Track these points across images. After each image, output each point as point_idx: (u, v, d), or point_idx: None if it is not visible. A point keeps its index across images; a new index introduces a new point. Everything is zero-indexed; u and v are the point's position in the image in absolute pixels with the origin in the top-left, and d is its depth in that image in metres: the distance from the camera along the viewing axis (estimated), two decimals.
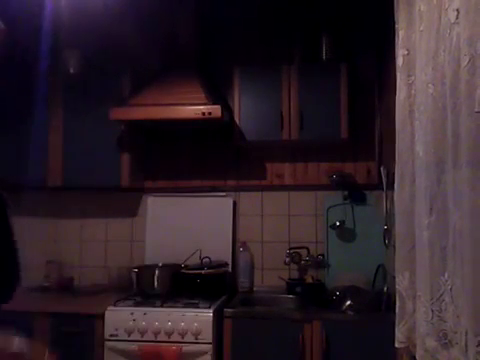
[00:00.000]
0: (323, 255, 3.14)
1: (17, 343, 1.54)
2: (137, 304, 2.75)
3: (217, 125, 3.02)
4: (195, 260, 3.04)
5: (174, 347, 2.58)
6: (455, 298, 1.38)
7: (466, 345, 1.24)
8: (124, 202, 3.35)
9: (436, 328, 1.47)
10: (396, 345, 1.83)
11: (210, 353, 2.58)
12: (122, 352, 2.62)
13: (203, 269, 2.94)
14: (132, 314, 2.64)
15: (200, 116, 2.77)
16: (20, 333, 1.81)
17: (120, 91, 3.05)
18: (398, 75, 1.89)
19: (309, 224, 3.21)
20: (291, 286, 3.07)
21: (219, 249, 3.15)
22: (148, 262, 3.19)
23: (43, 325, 2.64)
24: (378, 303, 2.69)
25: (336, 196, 3.15)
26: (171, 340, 2.59)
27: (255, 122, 2.98)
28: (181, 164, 3.35)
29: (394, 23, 1.95)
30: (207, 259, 3.00)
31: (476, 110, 1.20)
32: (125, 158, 3.09)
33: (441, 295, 1.45)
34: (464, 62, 1.26)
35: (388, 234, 2.77)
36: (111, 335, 2.63)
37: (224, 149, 3.29)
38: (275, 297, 3.05)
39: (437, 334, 1.46)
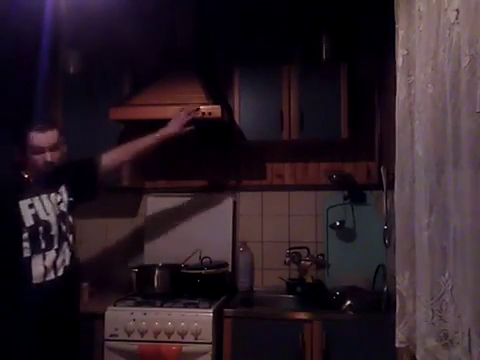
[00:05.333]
0: (323, 255, 3.14)
1: None
2: (137, 304, 2.75)
3: (217, 125, 3.01)
4: (195, 260, 3.04)
5: (174, 347, 2.58)
6: (456, 298, 1.38)
7: (469, 344, 1.24)
8: (124, 202, 3.34)
9: (437, 328, 1.47)
10: (396, 345, 1.83)
11: (210, 353, 2.58)
12: (122, 352, 2.62)
13: (203, 269, 2.93)
14: (132, 314, 2.64)
15: (200, 116, 2.77)
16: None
17: (120, 91, 3.05)
18: (398, 75, 1.89)
19: (309, 224, 3.21)
20: (291, 286, 3.07)
21: (219, 249, 3.15)
22: (148, 262, 3.19)
23: None
24: (378, 303, 2.69)
25: (336, 196, 3.15)
26: (171, 340, 2.60)
27: (255, 122, 2.98)
28: (181, 164, 3.34)
29: (394, 23, 1.95)
30: (207, 259, 3.00)
31: (477, 110, 1.20)
32: None
33: (441, 295, 1.46)
34: (464, 62, 1.26)
35: (388, 234, 2.77)
36: (111, 335, 2.63)
37: (224, 149, 3.29)
38: (275, 297, 3.05)
39: (438, 334, 1.46)
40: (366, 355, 2.46)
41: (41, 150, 2.29)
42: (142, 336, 2.61)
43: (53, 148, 2.32)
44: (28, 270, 2.24)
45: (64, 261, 2.36)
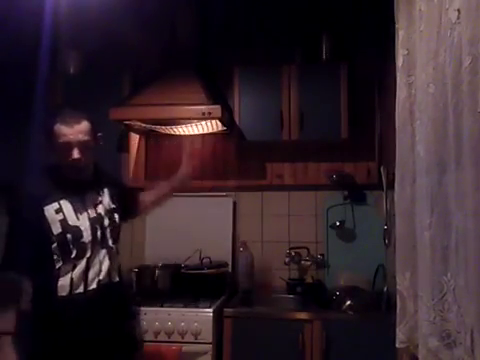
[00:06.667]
0: (323, 255, 3.14)
1: None
2: (137, 304, 2.74)
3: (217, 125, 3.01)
4: (195, 260, 3.04)
5: (174, 347, 2.58)
6: (458, 298, 1.38)
7: (472, 345, 1.24)
8: None
9: (439, 328, 1.47)
10: (397, 345, 1.82)
11: (210, 353, 2.58)
12: None
13: (203, 269, 2.94)
14: None
15: (200, 116, 2.77)
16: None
17: (120, 91, 3.05)
18: (398, 75, 1.89)
19: (309, 224, 3.21)
20: (291, 286, 3.07)
21: (219, 249, 3.15)
22: (148, 262, 3.19)
23: None
24: (378, 303, 2.70)
25: (336, 196, 3.15)
26: (171, 340, 2.60)
27: (255, 122, 2.98)
28: (181, 164, 3.33)
29: (394, 23, 1.95)
30: (207, 259, 3.00)
31: (479, 110, 1.20)
32: (125, 158, 3.09)
33: (444, 295, 1.45)
34: (466, 62, 1.26)
35: (388, 234, 2.77)
36: None
37: (224, 149, 3.29)
38: (275, 297, 3.05)
39: (440, 334, 1.46)
40: (366, 355, 2.46)
41: (68, 146, 1.97)
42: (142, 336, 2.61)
43: (82, 145, 1.99)
44: (55, 282, 1.97)
45: (99, 272, 2.03)
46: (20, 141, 2.98)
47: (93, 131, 2.07)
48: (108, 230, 2.09)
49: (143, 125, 2.97)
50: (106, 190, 2.16)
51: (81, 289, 1.99)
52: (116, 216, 2.14)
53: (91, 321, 1.97)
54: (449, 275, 1.43)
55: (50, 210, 1.98)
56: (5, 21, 2.76)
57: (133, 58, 3.23)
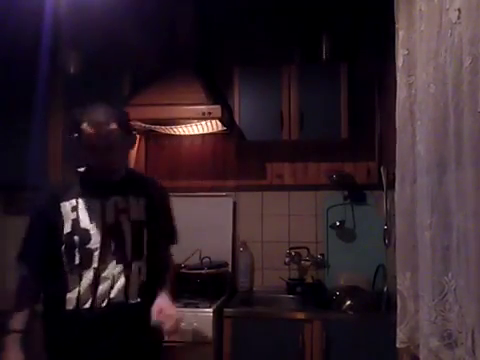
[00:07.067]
0: (323, 255, 3.14)
1: None
2: None
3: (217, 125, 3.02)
4: (195, 260, 3.04)
5: (174, 347, 2.57)
6: (459, 298, 1.38)
7: (473, 344, 1.24)
8: None
9: (440, 328, 1.47)
10: (397, 345, 1.83)
11: (210, 353, 2.58)
12: None
13: (203, 269, 2.94)
14: None
15: (200, 116, 2.77)
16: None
17: (120, 91, 3.05)
18: (398, 75, 1.89)
19: (309, 224, 3.21)
20: (291, 286, 3.07)
21: (219, 249, 3.15)
22: None
23: None
24: (378, 303, 2.70)
25: (336, 196, 3.15)
26: (171, 340, 2.59)
27: (255, 122, 2.99)
28: (181, 164, 3.34)
29: (394, 23, 1.95)
30: (207, 259, 3.00)
31: (479, 110, 1.20)
32: None
33: (445, 295, 1.45)
34: (466, 62, 1.26)
35: (388, 234, 2.77)
36: None
37: (224, 149, 3.29)
38: (275, 297, 3.05)
39: (441, 334, 1.46)
40: (366, 355, 2.46)
41: (94, 148, 1.79)
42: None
43: (110, 148, 1.80)
44: (63, 291, 1.81)
45: (111, 289, 1.81)
46: (20, 140, 2.99)
47: (124, 132, 1.86)
48: (128, 243, 1.86)
49: (143, 125, 2.97)
50: (142, 200, 1.93)
51: (88, 305, 1.79)
52: (145, 231, 1.90)
53: (96, 342, 1.80)
54: (450, 275, 1.43)
55: (67, 206, 1.84)
56: (5, 21, 2.76)
57: (133, 58, 3.22)
